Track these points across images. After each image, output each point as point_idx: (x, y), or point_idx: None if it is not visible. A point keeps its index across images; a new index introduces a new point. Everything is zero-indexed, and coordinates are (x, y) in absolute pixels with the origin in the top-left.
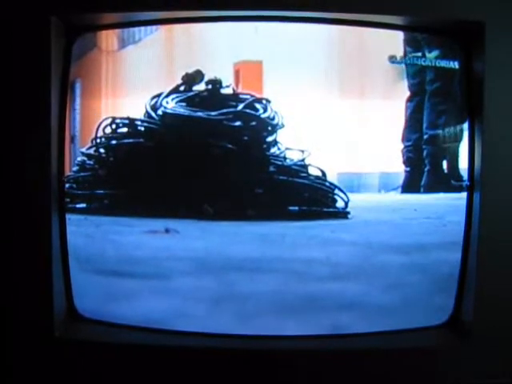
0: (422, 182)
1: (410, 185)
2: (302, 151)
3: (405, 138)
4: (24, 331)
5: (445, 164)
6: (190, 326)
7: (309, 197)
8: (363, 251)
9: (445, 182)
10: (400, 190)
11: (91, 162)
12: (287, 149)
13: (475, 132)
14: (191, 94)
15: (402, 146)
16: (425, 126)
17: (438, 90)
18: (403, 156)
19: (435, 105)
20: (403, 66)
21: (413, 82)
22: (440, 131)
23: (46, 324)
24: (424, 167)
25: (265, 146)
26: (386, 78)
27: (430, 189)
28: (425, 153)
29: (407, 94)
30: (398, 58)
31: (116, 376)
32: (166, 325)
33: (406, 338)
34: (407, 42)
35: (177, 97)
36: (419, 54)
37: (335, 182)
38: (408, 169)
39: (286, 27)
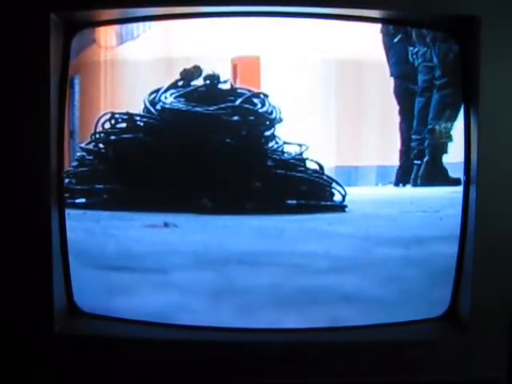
0: (444, 175)
1: (419, 177)
2: (300, 145)
3: (414, 132)
4: (24, 326)
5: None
6: (189, 319)
7: (307, 190)
8: (361, 244)
9: (450, 174)
10: (409, 183)
11: (90, 157)
12: (285, 143)
13: (471, 126)
14: (189, 89)
15: (399, 139)
16: (430, 117)
17: (446, 84)
18: (412, 150)
19: (443, 97)
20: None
21: (424, 78)
22: (447, 124)
23: (46, 319)
24: (429, 160)
25: (263, 140)
26: (384, 72)
27: (439, 182)
28: (426, 144)
29: (403, 87)
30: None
31: (116, 370)
32: (165, 319)
33: (404, 330)
34: (418, 38)
35: (175, 92)
36: (428, 50)
37: (333, 175)
38: (419, 162)
39: (283, 22)
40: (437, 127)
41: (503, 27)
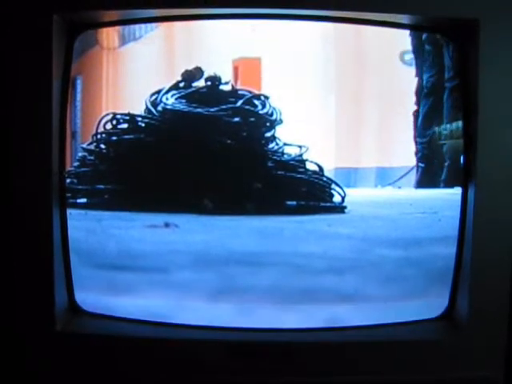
0: (443, 177)
1: (425, 180)
2: (300, 146)
3: (420, 135)
4: (25, 325)
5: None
6: (189, 319)
7: (306, 191)
8: (360, 245)
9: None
10: (407, 185)
11: (92, 158)
12: (285, 144)
13: (470, 128)
14: (191, 90)
15: (413, 140)
16: (445, 121)
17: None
18: (417, 152)
19: (455, 101)
20: (413, 62)
21: (431, 81)
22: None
23: (48, 318)
24: (443, 162)
25: (263, 141)
26: (386, 74)
27: (452, 183)
28: (444, 148)
29: (404, 89)
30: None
31: (117, 369)
32: (166, 318)
33: (402, 330)
34: (428, 39)
35: (177, 93)
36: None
37: (332, 176)
38: (423, 164)
39: (284, 24)
40: (452, 128)
41: (502, 30)
